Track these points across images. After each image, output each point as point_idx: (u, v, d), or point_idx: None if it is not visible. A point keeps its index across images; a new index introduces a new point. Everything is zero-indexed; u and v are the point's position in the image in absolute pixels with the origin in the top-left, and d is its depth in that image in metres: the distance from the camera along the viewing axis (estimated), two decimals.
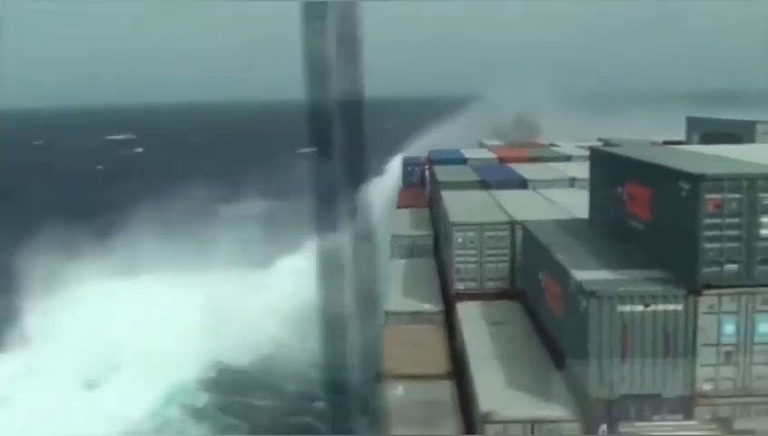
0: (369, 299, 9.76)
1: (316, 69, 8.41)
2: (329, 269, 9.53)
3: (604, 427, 15.94)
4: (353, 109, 8.77)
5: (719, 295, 15.96)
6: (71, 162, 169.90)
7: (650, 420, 16.02)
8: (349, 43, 8.36)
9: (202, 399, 46.86)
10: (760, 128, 43.98)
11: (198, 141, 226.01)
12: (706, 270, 15.92)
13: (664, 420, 16.02)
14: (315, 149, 8.81)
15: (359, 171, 8.93)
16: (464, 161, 47.40)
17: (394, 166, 67.01)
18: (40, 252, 55.81)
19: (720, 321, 16.01)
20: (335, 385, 10.94)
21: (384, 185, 63.67)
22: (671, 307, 15.95)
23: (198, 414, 45.05)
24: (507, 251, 25.89)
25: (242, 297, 53.95)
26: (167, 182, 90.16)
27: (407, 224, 37.96)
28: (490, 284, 25.82)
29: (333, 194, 9.26)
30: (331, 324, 9.72)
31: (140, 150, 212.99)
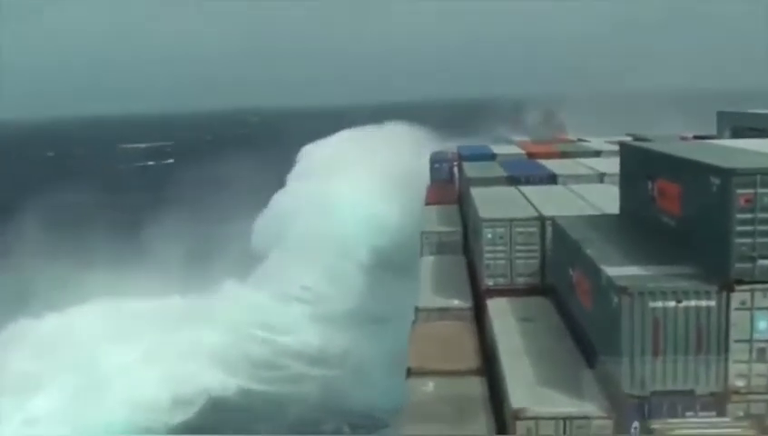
0: None
1: None
2: None
3: (636, 424, 15.91)
4: None
5: (751, 291, 15.84)
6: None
7: (682, 416, 15.95)
8: None
9: None
10: None
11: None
12: (738, 265, 15.82)
13: (696, 416, 15.95)
14: None
15: None
16: (492, 157, 47.25)
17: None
18: None
19: (753, 316, 15.90)
20: None
21: None
22: (703, 303, 15.88)
23: None
24: (536, 246, 25.83)
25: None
26: None
27: (435, 221, 37.98)
28: (520, 280, 25.79)
29: None
30: None
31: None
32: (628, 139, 44.86)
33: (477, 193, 31.57)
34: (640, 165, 21.88)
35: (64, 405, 43.35)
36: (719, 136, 48.96)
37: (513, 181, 35.27)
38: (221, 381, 48.93)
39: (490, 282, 25.84)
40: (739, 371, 15.99)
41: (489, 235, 26.08)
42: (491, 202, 29.30)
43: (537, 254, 25.83)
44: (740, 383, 15.99)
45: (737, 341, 15.93)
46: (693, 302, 15.90)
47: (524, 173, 36.52)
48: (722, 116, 52.96)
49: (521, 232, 25.97)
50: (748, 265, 15.81)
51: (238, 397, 48.26)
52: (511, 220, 26.20)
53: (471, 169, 39.59)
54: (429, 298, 26.76)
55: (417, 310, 25.69)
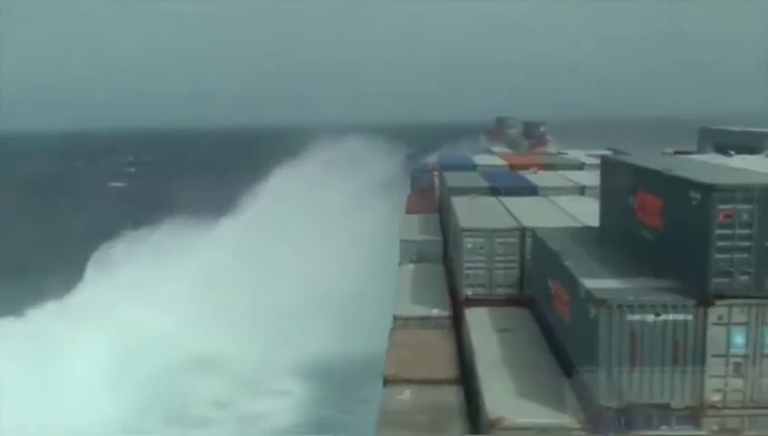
0: None
1: None
2: None
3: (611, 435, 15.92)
4: None
5: (729, 306, 15.92)
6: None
7: (658, 429, 15.98)
8: None
9: None
10: None
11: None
12: (717, 280, 15.90)
13: (672, 429, 15.98)
14: None
15: None
16: (474, 167, 47.39)
17: None
18: None
19: (729, 331, 15.98)
20: None
21: None
22: (681, 317, 15.93)
23: None
24: (516, 257, 25.87)
25: None
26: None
27: (416, 230, 37.99)
28: (499, 291, 25.79)
29: None
30: None
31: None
32: (609, 153, 45.07)
33: (457, 202, 31.57)
34: (621, 179, 21.97)
35: None
36: (700, 152, 49.49)
37: (494, 191, 35.32)
38: None
39: (469, 292, 25.82)
40: (715, 385, 16.05)
41: (470, 245, 26.07)
42: (472, 212, 29.31)
43: (517, 265, 25.85)
44: (716, 398, 16.05)
45: (714, 355, 16.00)
46: (670, 316, 15.95)
47: (505, 184, 36.59)
48: (703, 133, 53.48)
49: (501, 243, 25.98)
50: (726, 281, 15.89)
51: None
52: (491, 230, 26.23)
53: (452, 179, 39.60)
54: (407, 306, 26.72)
55: (394, 318, 25.64)
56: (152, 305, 54.43)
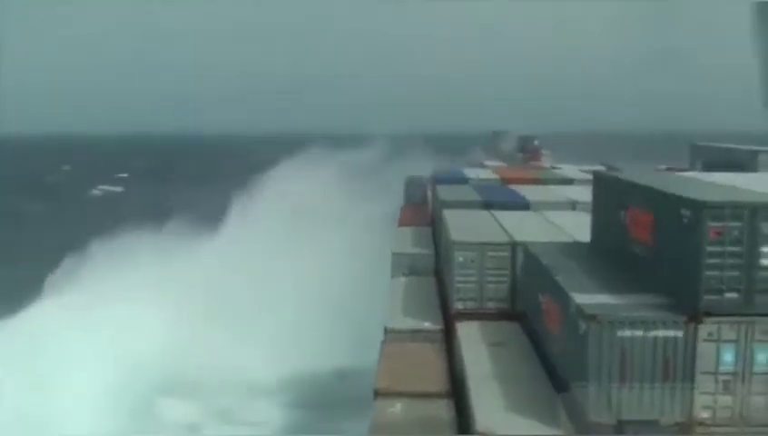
0: None
1: None
2: None
3: None
4: None
5: (719, 323, 16.00)
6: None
7: None
8: None
9: None
10: (762, 158, 44.23)
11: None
12: (707, 297, 15.98)
13: None
14: None
15: None
16: (466, 181, 47.49)
17: None
18: None
19: (719, 349, 16.05)
20: None
21: None
22: (671, 333, 16.01)
23: None
24: (507, 271, 25.91)
25: None
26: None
27: (408, 243, 38.03)
28: (490, 305, 25.82)
29: None
30: None
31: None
32: (601, 168, 45.27)
33: (449, 215, 31.64)
34: (613, 194, 22.07)
35: None
36: (691, 169, 49.67)
37: (486, 205, 35.38)
38: None
39: (460, 306, 25.85)
40: (704, 402, 16.11)
41: (461, 258, 26.12)
42: (464, 225, 29.36)
43: (508, 279, 25.90)
44: (705, 415, 16.10)
45: (703, 372, 16.06)
46: (660, 333, 16.02)
47: (497, 199, 36.67)
48: (694, 150, 53.70)
49: (492, 257, 26.03)
50: (716, 298, 15.97)
51: None
52: (483, 244, 26.28)
53: (445, 192, 39.71)
54: (399, 319, 26.71)
55: (386, 330, 25.63)
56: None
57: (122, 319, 50.89)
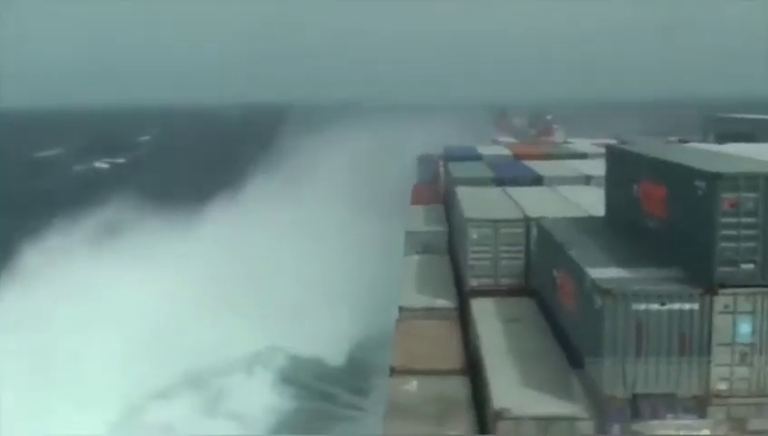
0: None
1: None
2: None
3: (617, 426, 15.94)
4: None
5: (734, 295, 15.90)
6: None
7: (664, 418, 16.00)
8: None
9: None
10: None
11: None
12: (722, 269, 15.88)
13: (677, 419, 16.00)
14: None
15: None
16: (479, 157, 47.24)
17: None
18: None
19: (735, 320, 15.97)
20: None
21: None
22: (686, 306, 15.93)
23: None
24: (521, 248, 25.84)
25: None
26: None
27: (421, 221, 37.99)
28: (505, 281, 25.78)
29: None
30: None
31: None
32: (614, 142, 45.01)
33: (462, 192, 31.55)
34: (626, 168, 21.94)
35: None
36: (703, 140, 49.33)
37: (499, 181, 35.25)
38: None
39: (475, 283, 25.82)
40: (721, 374, 16.04)
41: (475, 235, 26.06)
42: (477, 202, 29.29)
43: (522, 255, 25.83)
44: (722, 387, 16.05)
45: (719, 344, 15.98)
46: (676, 305, 15.94)
47: (510, 175, 36.50)
48: (707, 121, 53.29)
49: (506, 233, 25.95)
50: (732, 269, 15.87)
51: None
52: (496, 220, 26.21)
53: (457, 169, 39.55)
54: (413, 297, 26.74)
55: (400, 309, 25.67)
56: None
57: (111, 294, 49.89)
